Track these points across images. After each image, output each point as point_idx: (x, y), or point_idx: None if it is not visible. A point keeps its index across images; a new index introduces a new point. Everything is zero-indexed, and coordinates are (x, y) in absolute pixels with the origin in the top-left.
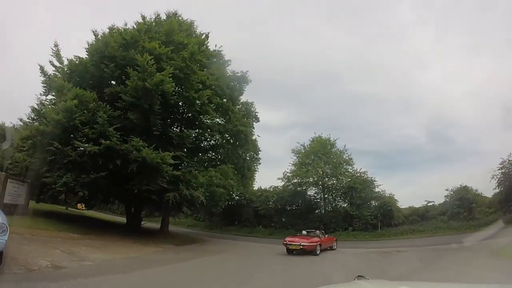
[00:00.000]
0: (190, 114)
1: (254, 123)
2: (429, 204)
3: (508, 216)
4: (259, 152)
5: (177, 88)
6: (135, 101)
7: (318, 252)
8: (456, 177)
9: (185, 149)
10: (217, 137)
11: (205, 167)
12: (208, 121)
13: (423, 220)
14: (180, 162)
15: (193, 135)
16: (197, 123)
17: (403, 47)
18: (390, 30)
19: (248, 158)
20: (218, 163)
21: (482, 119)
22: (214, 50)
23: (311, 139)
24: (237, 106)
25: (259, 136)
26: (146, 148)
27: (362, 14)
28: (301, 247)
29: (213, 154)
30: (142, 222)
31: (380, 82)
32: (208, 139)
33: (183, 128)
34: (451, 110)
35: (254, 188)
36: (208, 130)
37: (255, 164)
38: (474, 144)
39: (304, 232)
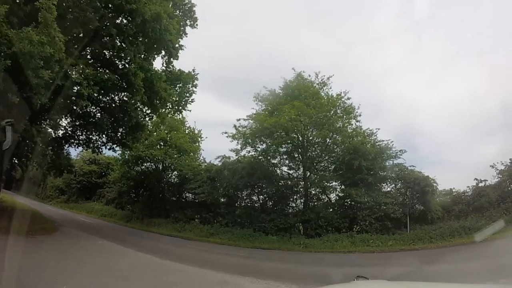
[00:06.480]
0: None
1: (187, 25)
2: (480, 185)
3: None
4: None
5: None
6: None
7: None
8: None
9: None
10: None
11: None
12: None
13: (474, 212)
14: None
15: None
16: None
17: (379, 54)
18: (367, 36)
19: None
20: None
21: (450, 130)
22: None
23: (286, 81)
24: None
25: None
26: None
27: (341, 19)
28: None
29: None
30: None
31: (353, 87)
32: None
33: None
34: (419, 120)
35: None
36: None
37: (186, 97)
38: (440, 153)
39: None
